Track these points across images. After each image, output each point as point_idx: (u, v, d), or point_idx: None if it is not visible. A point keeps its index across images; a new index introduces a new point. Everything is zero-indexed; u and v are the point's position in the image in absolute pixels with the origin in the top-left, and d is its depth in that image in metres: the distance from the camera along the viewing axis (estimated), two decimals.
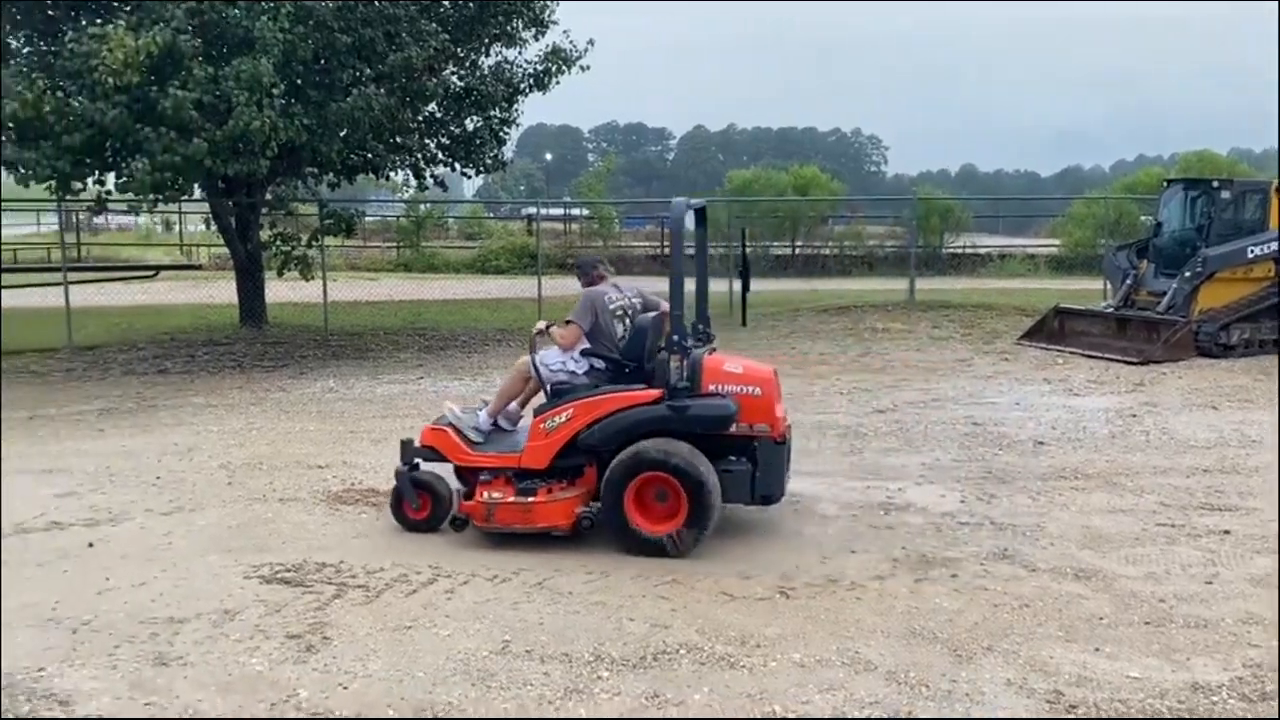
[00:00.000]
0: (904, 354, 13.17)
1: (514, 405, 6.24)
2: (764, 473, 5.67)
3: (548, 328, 6.19)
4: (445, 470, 6.07)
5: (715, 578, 5.18)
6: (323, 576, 5.19)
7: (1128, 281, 14.17)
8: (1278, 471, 7.22)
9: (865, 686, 4.01)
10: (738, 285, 16.23)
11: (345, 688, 3.99)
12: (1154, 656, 4.24)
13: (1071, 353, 13.07)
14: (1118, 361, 12.24)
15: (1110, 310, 14.11)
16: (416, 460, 6.04)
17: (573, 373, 5.95)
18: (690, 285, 5.90)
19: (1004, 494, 6.78)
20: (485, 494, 5.69)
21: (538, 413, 5.85)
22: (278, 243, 14.46)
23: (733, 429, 5.63)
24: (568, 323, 5.98)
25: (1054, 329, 14.21)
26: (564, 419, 5.67)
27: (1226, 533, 5.89)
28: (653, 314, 6.00)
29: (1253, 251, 13.21)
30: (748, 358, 6.11)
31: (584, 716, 3.78)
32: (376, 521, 6.12)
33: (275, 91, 10.85)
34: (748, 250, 17.90)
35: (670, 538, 5.45)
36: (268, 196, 14.46)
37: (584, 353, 5.99)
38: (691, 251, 6.44)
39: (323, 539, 5.79)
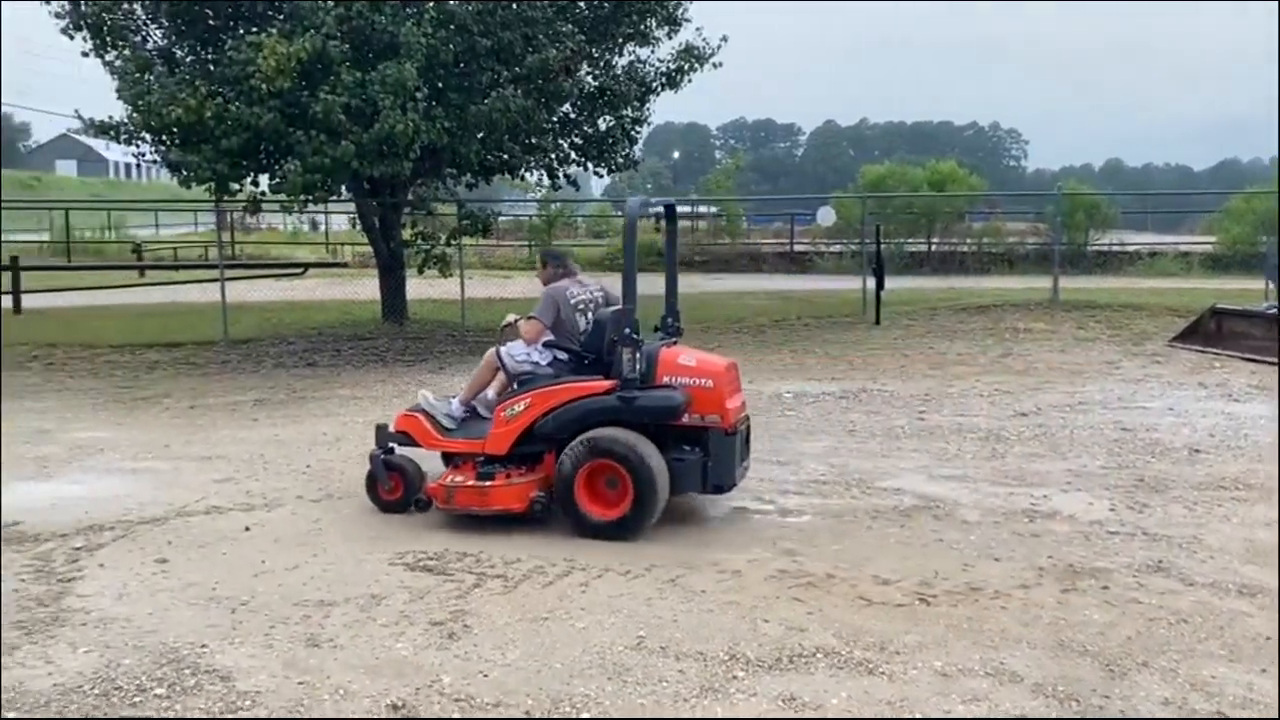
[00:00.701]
0: (1047, 355, 12.68)
1: (491, 394, 6.46)
2: (715, 463, 5.87)
3: (515, 321, 6.49)
4: (424, 455, 6.42)
5: (851, 582, 5.09)
6: (463, 566, 5.32)
7: None
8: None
9: (1011, 698, 3.88)
10: (871, 283, 15.94)
11: (486, 675, 4.08)
12: None
13: (1230, 356, 12.34)
14: None
15: (1273, 311, 13.27)
16: (391, 444, 6.36)
17: (536, 364, 6.26)
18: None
19: (1157, 503, 6.45)
20: (450, 478, 6.07)
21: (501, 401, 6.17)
22: (418, 241, 14.92)
23: (685, 420, 5.86)
24: (531, 318, 6.31)
25: (1210, 330, 13.44)
26: (522, 408, 5.98)
27: None
28: (613, 309, 6.24)
29: None
30: (705, 351, 6.44)
31: (721, 716, 3.77)
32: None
33: (418, 95, 11.19)
34: (882, 247, 17.54)
35: (616, 522, 5.73)
36: (409, 197, 14.93)
37: (547, 344, 6.31)
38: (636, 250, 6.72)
39: (462, 529, 5.93)
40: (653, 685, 3.99)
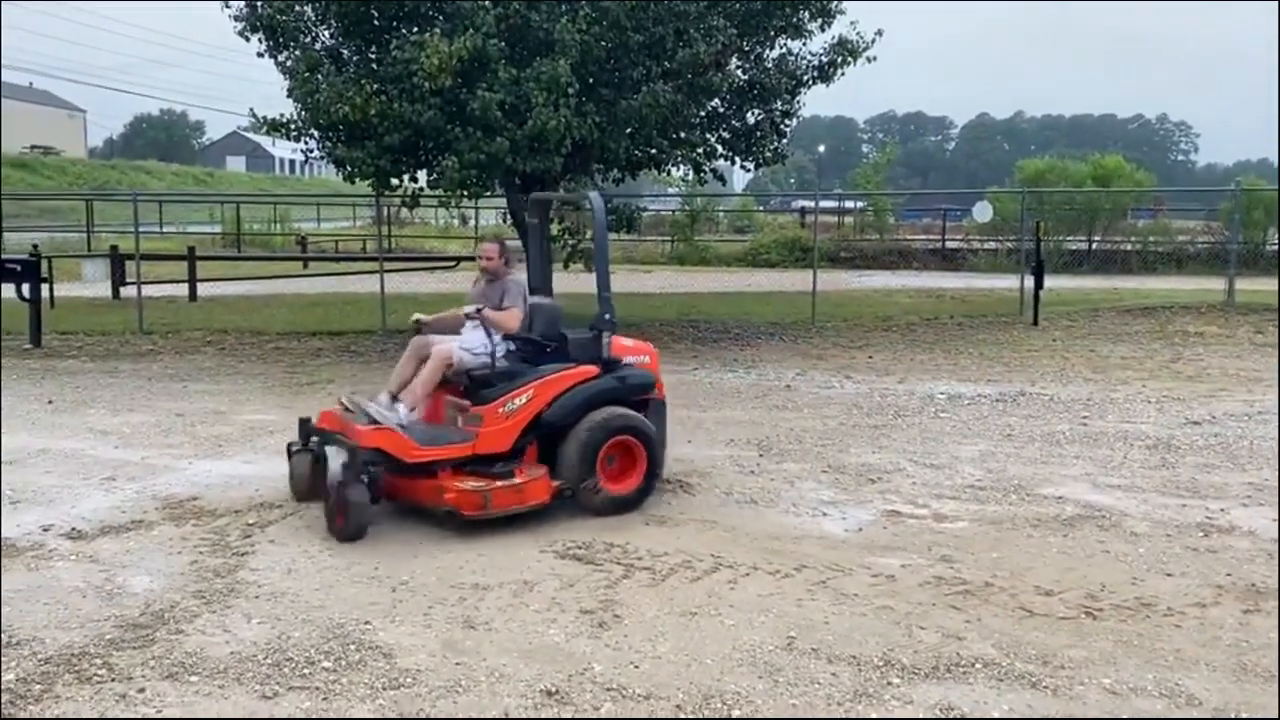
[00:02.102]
0: (1221, 361, 11.93)
1: (420, 391, 6.17)
2: (660, 430, 6.42)
3: (478, 312, 6.33)
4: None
5: (1012, 592, 4.90)
6: (611, 556, 5.37)
7: None
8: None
9: None
10: (1029, 282, 15.33)
11: (636, 666, 4.10)
12: None
13: None
14: None
15: None
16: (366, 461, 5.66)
17: (492, 355, 6.17)
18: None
19: None
20: (466, 483, 5.72)
21: (475, 398, 6.04)
22: (565, 236, 15.14)
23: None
24: (509, 308, 6.39)
25: None
26: (524, 400, 5.96)
27: None
28: (547, 300, 6.72)
29: None
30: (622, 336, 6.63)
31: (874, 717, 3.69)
32: (659, 507, 6.26)
33: (571, 91, 11.34)
34: (1041, 245, 16.83)
35: (633, 495, 6.10)
36: (560, 192, 15.15)
37: (506, 336, 6.32)
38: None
39: (609, 520, 5.98)
40: (804, 687, 3.93)
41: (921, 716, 3.71)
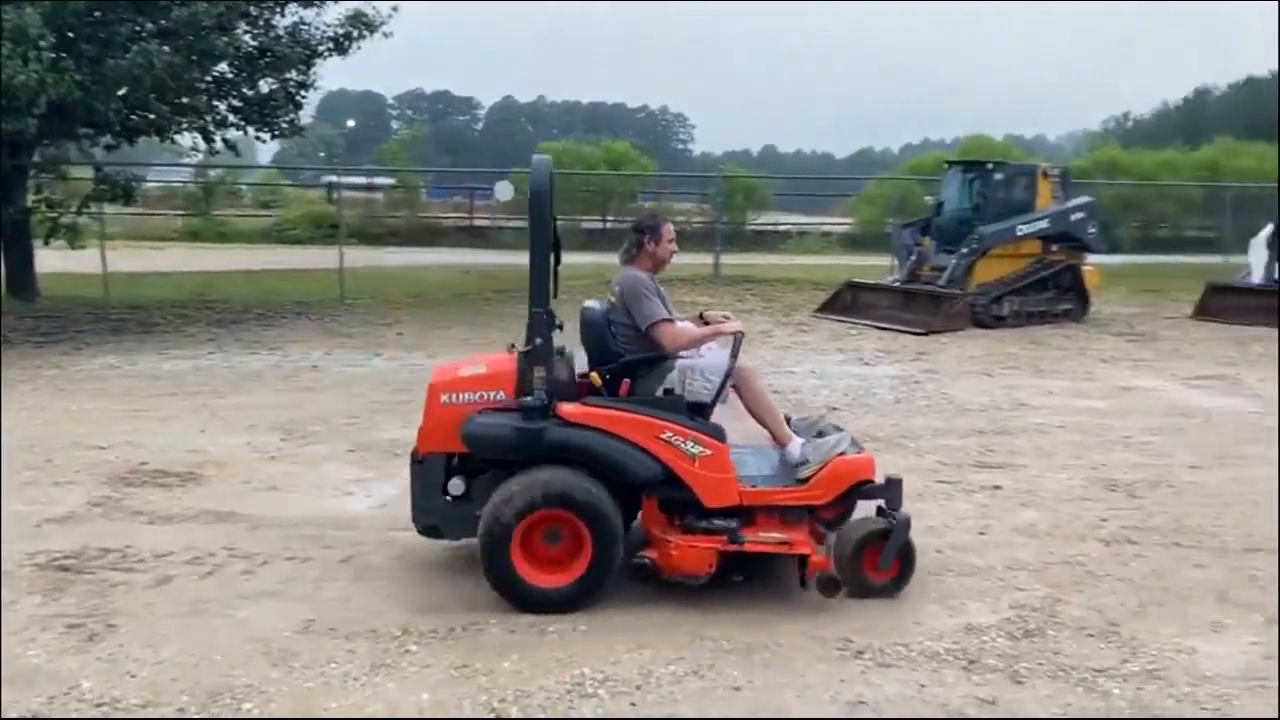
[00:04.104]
0: None
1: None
2: None
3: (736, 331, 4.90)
4: None
5: None
6: (107, 563, 4.88)
7: (912, 258, 15.09)
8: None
9: None
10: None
11: (133, 675, 3.78)
12: (933, 603, 4.57)
13: (863, 324, 13.81)
14: (904, 332, 13.03)
15: (897, 284, 14.99)
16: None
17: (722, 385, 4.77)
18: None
19: None
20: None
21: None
22: (43, 208, 13.34)
23: None
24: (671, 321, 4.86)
25: (847, 302, 14.97)
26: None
27: (997, 488, 6.39)
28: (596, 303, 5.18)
29: (1021, 230, 14.33)
30: None
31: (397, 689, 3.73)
32: (167, 504, 5.80)
33: (43, 44, 9.99)
34: (558, 224, 17.86)
35: None
36: (36, 158, 13.31)
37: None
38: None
39: (104, 524, 5.43)
40: (320, 668, 3.87)
41: (436, 678, 3.82)
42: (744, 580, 4.57)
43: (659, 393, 4.69)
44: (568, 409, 4.43)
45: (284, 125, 14.21)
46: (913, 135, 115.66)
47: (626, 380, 4.75)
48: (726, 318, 5.06)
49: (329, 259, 17.81)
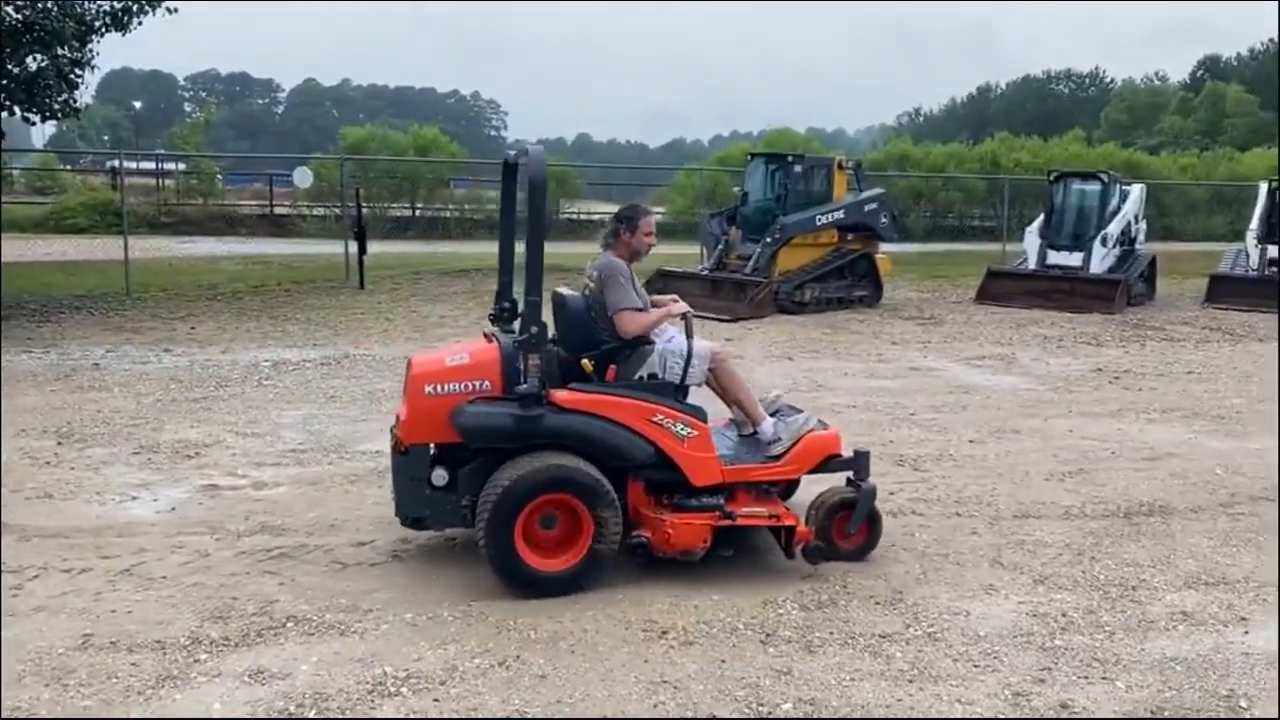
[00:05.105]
0: None
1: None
2: None
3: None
4: None
5: (328, 548, 5.04)
6: None
7: (719, 246, 15.50)
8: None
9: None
10: (354, 247, 15.74)
11: None
12: (733, 579, 4.72)
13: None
14: (712, 319, 13.37)
15: (705, 272, 15.37)
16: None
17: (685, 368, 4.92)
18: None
19: None
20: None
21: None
22: None
23: None
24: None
25: (659, 290, 15.20)
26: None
27: None
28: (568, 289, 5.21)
29: (820, 220, 14.96)
30: None
31: (183, 703, 3.55)
32: None
33: None
34: (364, 211, 17.40)
35: None
36: None
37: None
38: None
39: None
40: (100, 684, 3.64)
41: (230, 687, 3.66)
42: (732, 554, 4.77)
43: (644, 376, 4.82)
44: (561, 395, 4.53)
45: (57, 106, 13.17)
46: (722, 127, 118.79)
47: (613, 366, 4.83)
48: (675, 300, 5.18)
49: (113, 249, 16.69)
